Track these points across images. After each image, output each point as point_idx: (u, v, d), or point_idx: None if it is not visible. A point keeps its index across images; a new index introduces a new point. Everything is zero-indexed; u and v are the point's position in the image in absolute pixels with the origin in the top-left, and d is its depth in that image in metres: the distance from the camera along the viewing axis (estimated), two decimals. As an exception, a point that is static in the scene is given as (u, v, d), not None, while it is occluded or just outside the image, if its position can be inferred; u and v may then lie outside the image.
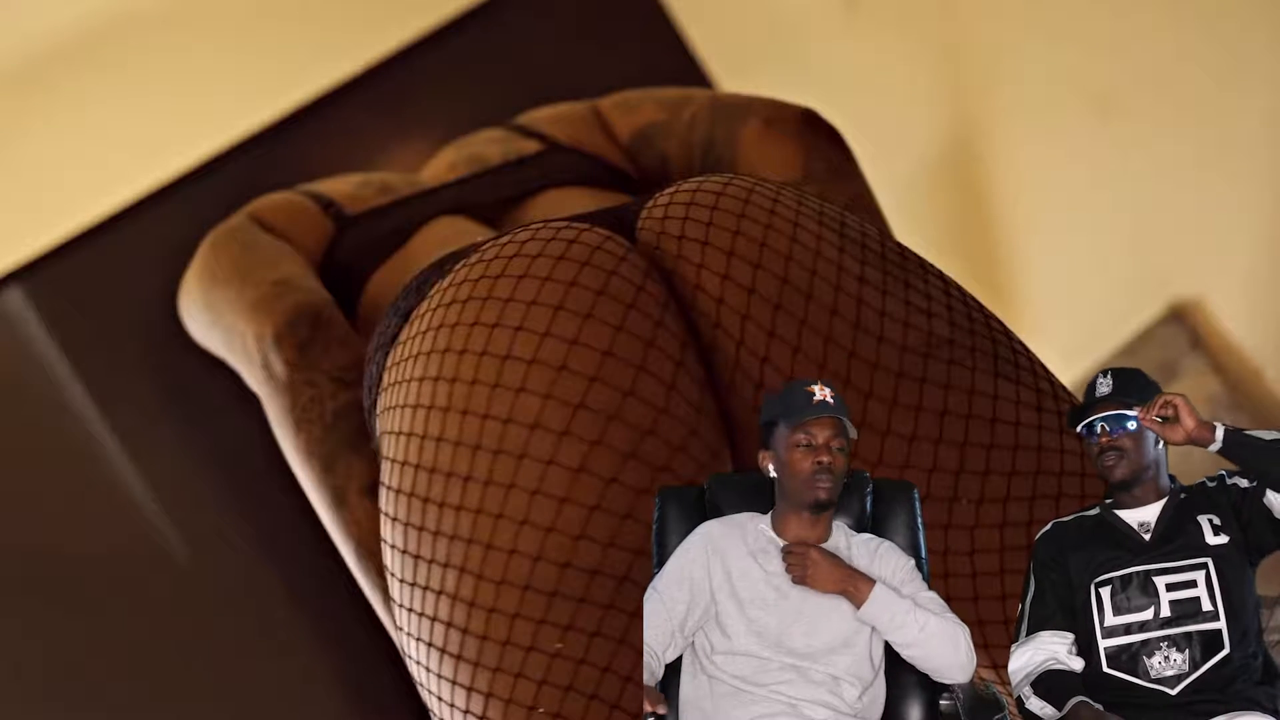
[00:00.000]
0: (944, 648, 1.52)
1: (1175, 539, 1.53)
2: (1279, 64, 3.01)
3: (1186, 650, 1.50)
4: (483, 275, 1.76)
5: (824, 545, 1.55)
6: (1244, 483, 1.54)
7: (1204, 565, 1.52)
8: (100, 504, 2.48)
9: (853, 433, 1.54)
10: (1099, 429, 1.54)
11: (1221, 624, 1.50)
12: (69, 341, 2.49)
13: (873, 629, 1.54)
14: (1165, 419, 1.52)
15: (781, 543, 1.55)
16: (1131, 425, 1.53)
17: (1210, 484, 1.55)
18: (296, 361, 2.06)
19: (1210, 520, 1.53)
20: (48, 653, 2.43)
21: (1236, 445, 1.51)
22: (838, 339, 1.75)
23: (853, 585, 1.52)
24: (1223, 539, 1.52)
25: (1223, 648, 1.50)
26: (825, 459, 1.52)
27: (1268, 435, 1.51)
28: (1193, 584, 1.51)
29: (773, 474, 1.55)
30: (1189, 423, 1.51)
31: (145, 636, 2.47)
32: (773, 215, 1.80)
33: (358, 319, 2.21)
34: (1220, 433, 1.50)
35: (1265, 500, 1.52)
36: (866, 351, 1.75)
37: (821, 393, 1.53)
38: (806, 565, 1.52)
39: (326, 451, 2.02)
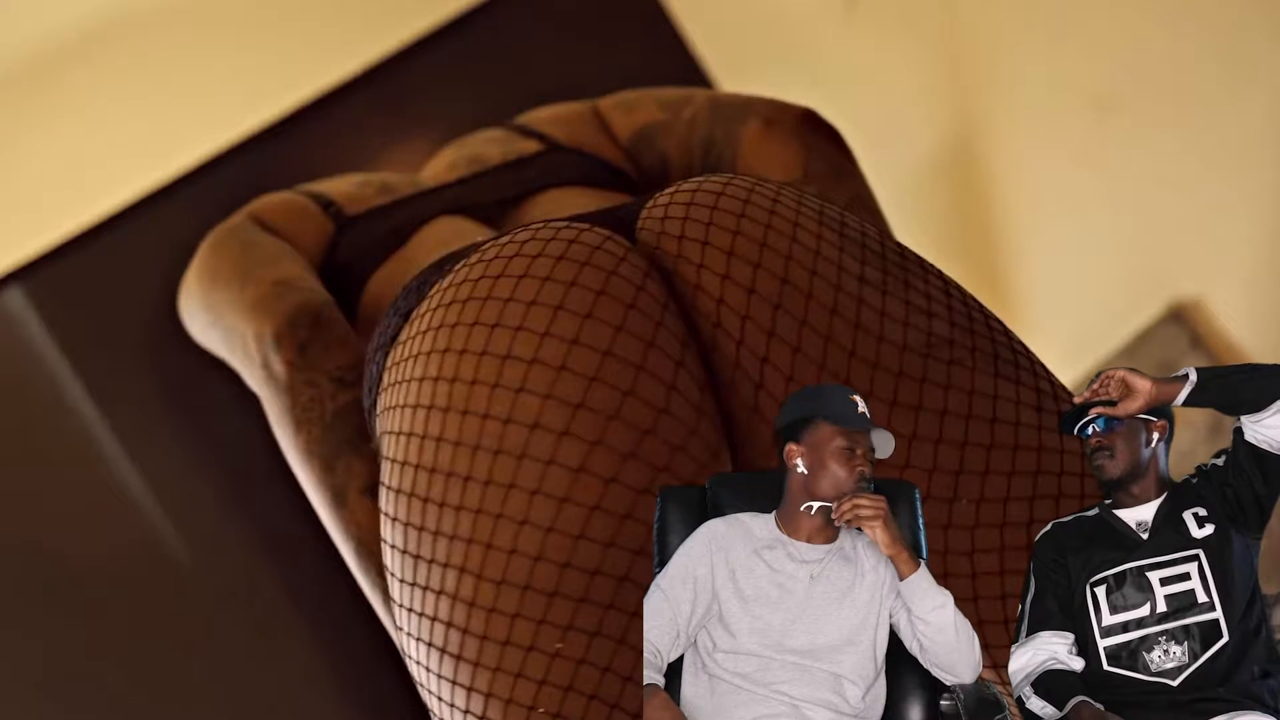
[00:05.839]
0: (966, 642, 1.53)
1: (1166, 535, 1.53)
2: (1279, 64, 3.01)
3: (1185, 643, 1.50)
4: (483, 275, 1.76)
5: (830, 546, 1.55)
6: (1220, 459, 1.54)
7: (1196, 557, 1.52)
8: (100, 504, 2.48)
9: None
10: (1090, 430, 1.55)
11: (1218, 613, 1.50)
12: (69, 341, 2.49)
13: (877, 623, 1.54)
14: (1110, 400, 1.52)
15: (785, 539, 1.56)
16: (1117, 424, 1.54)
17: (1193, 480, 1.56)
18: (296, 361, 2.06)
19: (1195, 514, 1.53)
20: (48, 653, 2.43)
21: (1210, 379, 1.50)
22: (838, 339, 1.75)
23: (906, 553, 1.53)
24: (1208, 529, 1.53)
25: (1221, 636, 1.50)
26: (864, 469, 1.54)
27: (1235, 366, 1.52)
28: (1186, 576, 1.52)
29: (801, 469, 1.55)
30: (1144, 386, 1.51)
31: (145, 636, 2.47)
32: (773, 215, 1.80)
33: (358, 319, 2.21)
34: (1194, 374, 1.50)
35: (1248, 438, 1.52)
36: (866, 351, 1.75)
37: (864, 408, 1.55)
38: (881, 510, 1.52)
39: (326, 451, 2.02)
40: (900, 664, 1.56)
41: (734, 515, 1.59)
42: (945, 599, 1.53)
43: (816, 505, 1.55)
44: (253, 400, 2.14)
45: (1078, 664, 1.53)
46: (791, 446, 1.56)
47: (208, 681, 2.49)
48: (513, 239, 1.79)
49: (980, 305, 1.84)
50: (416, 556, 1.72)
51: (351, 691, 2.54)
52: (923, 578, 1.53)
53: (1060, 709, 1.50)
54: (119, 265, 2.56)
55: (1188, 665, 1.50)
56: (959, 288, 1.85)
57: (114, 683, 2.45)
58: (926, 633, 1.53)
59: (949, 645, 1.52)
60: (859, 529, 1.58)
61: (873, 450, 1.56)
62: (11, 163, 2.64)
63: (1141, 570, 1.52)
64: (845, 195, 2.15)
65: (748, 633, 1.53)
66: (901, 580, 1.53)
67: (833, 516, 1.54)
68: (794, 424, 1.56)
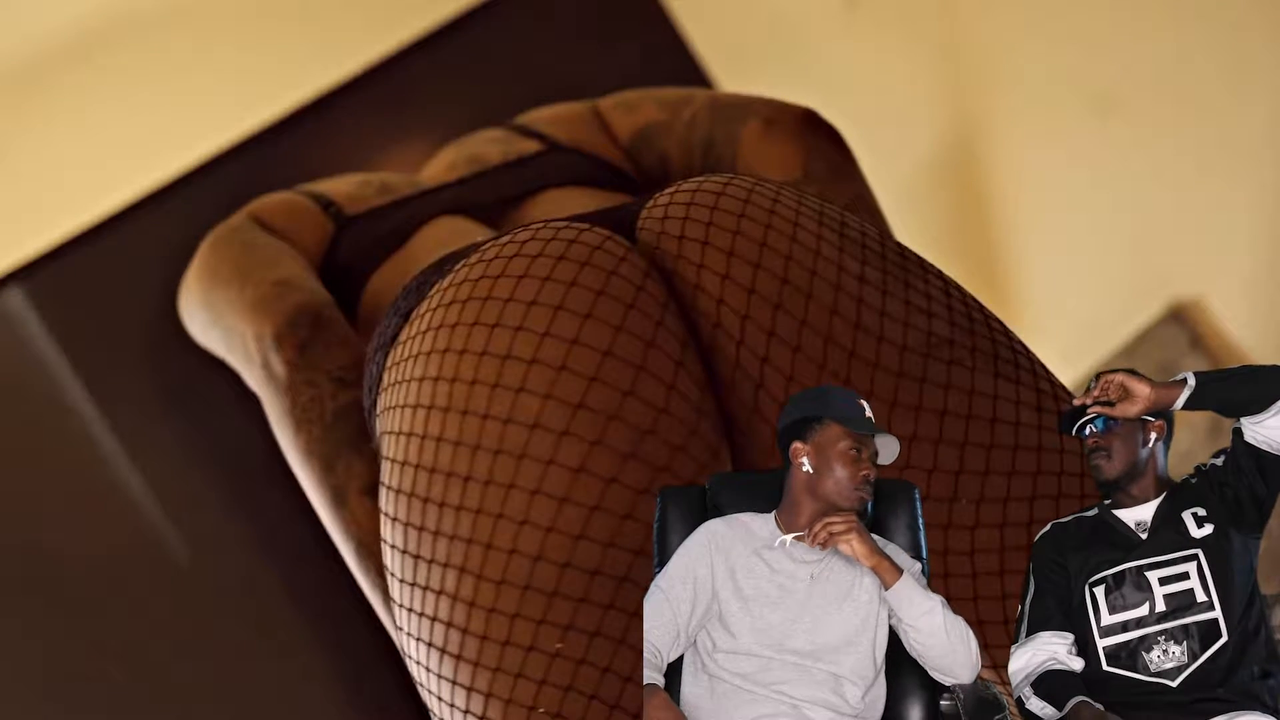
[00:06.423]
0: (960, 644, 1.52)
1: (1165, 535, 1.53)
2: (1279, 64, 3.01)
3: (1185, 642, 1.50)
4: (483, 275, 1.76)
5: (830, 546, 1.56)
6: (1219, 459, 1.55)
7: (1195, 556, 1.52)
8: (100, 504, 2.48)
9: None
10: (1087, 430, 1.55)
11: (1217, 613, 1.50)
12: (69, 341, 2.49)
13: (877, 624, 1.54)
14: (1109, 402, 1.52)
15: (784, 538, 1.55)
16: (1115, 424, 1.54)
17: (1192, 480, 1.56)
18: (297, 361, 2.06)
19: (1194, 514, 1.54)
20: (48, 653, 2.43)
21: (1208, 382, 1.51)
22: (838, 339, 1.75)
23: (887, 562, 1.53)
24: (1207, 529, 1.53)
25: (1220, 636, 1.50)
26: (868, 472, 1.54)
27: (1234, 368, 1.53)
28: (1185, 576, 1.52)
29: (806, 468, 1.55)
30: (1143, 390, 1.52)
31: (145, 637, 2.47)
32: (773, 215, 1.80)
33: (358, 319, 2.21)
34: (1193, 379, 1.51)
35: (1247, 439, 1.52)
36: (866, 351, 1.75)
37: (869, 410, 1.56)
38: (851, 525, 1.52)
39: (326, 451, 2.02)
40: (900, 664, 1.56)
41: (734, 515, 1.59)
42: (933, 604, 1.53)
43: (790, 538, 1.56)
44: (253, 400, 2.14)
45: (1077, 664, 1.53)
46: (797, 445, 1.56)
47: (208, 681, 2.49)
48: (513, 239, 1.79)
49: (980, 305, 1.84)
50: (416, 556, 1.72)
51: (351, 691, 2.54)
52: (907, 585, 1.53)
53: (1060, 709, 1.50)
54: (119, 265, 2.56)
55: (1187, 665, 1.50)
56: (959, 288, 1.84)
57: (114, 682, 2.45)
58: (917, 638, 1.53)
59: (942, 649, 1.52)
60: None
61: (876, 455, 1.56)
62: (11, 162, 2.64)
63: (1140, 570, 1.52)
64: (845, 195, 2.15)
65: (748, 633, 1.53)
66: (886, 590, 1.53)
67: (807, 542, 1.54)
68: (800, 423, 1.56)
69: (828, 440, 1.55)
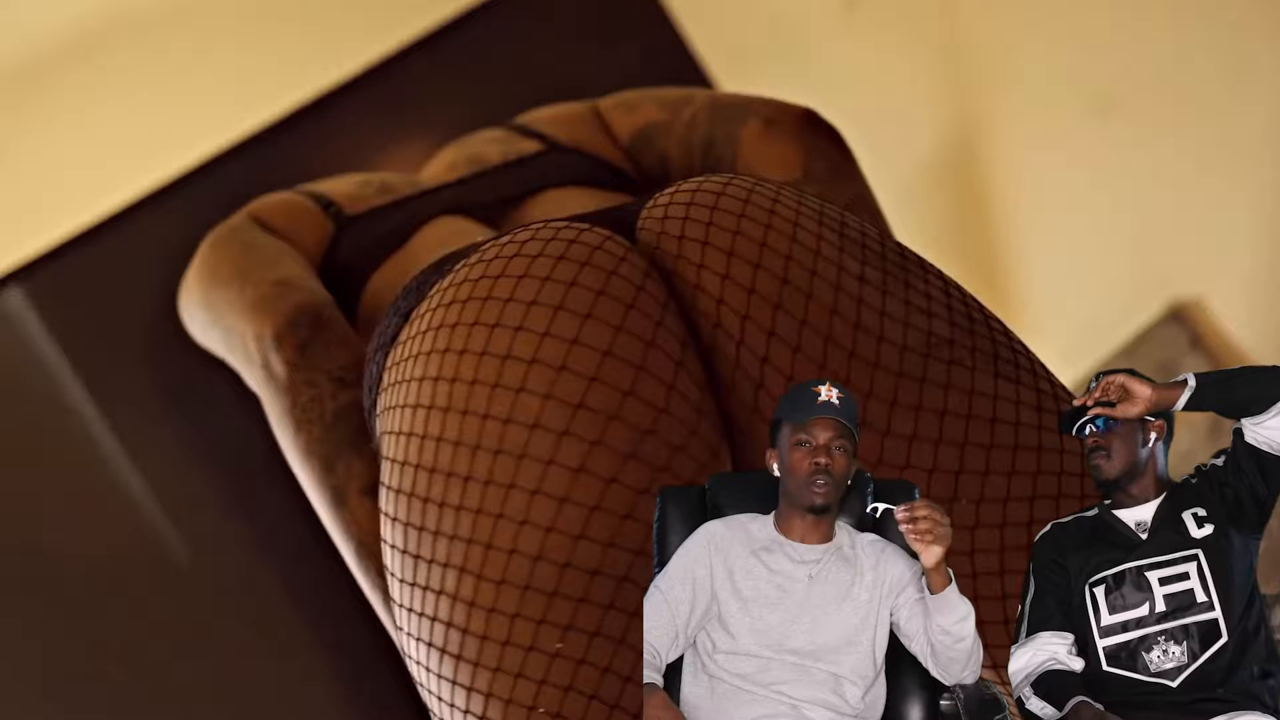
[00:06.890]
0: (979, 648, 1.52)
1: (1165, 535, 1.53)
2: (1279, 64, 3.01)
3: (1185, 642, 1.50)
4: (483, 275, 1.76)
5: (827, 545, 1.55)
6: (1219, 460, 1.55)
7: (1195, 557, 1.52)
8: (100, 504, 2.48)
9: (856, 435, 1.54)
10: (1087, 430, 1.55)
11: (1217, 613, 1.51)
12: (69, 341, 2.49)
13: (877, 624, 1.54)
14: (1110, 403, 1.52)
15: (783, 540, 1.55)
16: (1115, 424, 1.54)
17: (1192, 480, 1.56)
18: (297, 361, 2.06)
19: (1194, 514, 1.54)
20: (48, 653, 2.43)
21: (1209, 384, 1.51)
22: (838, 339, 1.75)
23: (945, 568, 1.50)
24: (1208, 530, 1.53)
25: (1220, 636, 1.50)
26: (823, 460, 1.52)
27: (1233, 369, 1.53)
28: (1185, 576, 1.52)
29: (777, 473, 1.55)
30: (1144, 391, 1.52)
31: (145, 637, 2.47)
32: (773, 215, 1.80)
33: (358, 319, 2.21)
34: (1193, 380, 1.51)
35: (1248, 439, 1.52)
36: (866, 351, 1.75)
37: (828, 394, 1.53)
38: (947, 534, 1.47)
39: (326, 451, 2.02)
40: (900, 664, 1.56)
41: (733, 516, 1.59)
42: (969, 609, 1.51)
43: (882, 508, 1.51)
44: (253, 400, 2.14)
45: (1077, 664, 1.53)
46: (770, 451, 1.56)
47: (208, 681, 2.49)
48: (513, 239, 1.79)
49: (980, 305, 1.84)
50: (416, 556, 1.72)
51: (351, 691, 2.54)
52: (954, 591, 1.51)
53: (1060, 709, 1.50)
54: (119, 265, 2.56)
55: (1187, 665, 1.50)
56: (959, 288, 1.85)
57: (114, 682, 2.45)
58: (945, 641, 1.52)
59: (965, 652, 1.52)
60: (854, 529, 1.58)
61: (842, 442, 1.52)
62: (11, 162, 2.64)
63: (1140, 570, 1.52)
64: (845, 195, 2.15)
65: (747, 633, 1.53)
66: (934, 594, 1.51)
67: (901, 525, 1.48)
68: (772, 428, 1.57)
69: (783, 441, 1.54)
